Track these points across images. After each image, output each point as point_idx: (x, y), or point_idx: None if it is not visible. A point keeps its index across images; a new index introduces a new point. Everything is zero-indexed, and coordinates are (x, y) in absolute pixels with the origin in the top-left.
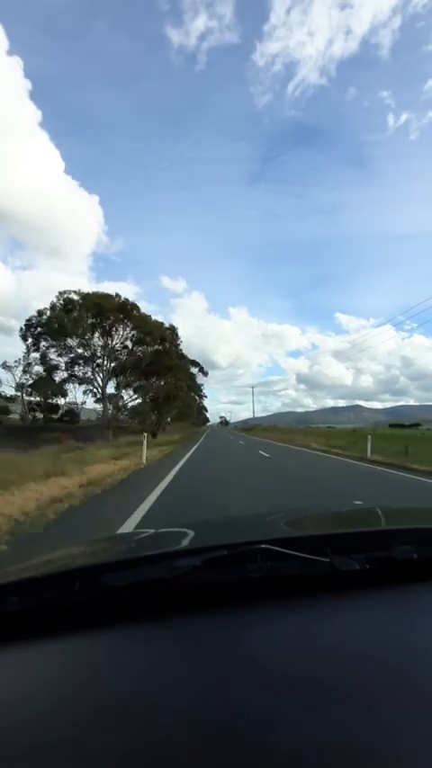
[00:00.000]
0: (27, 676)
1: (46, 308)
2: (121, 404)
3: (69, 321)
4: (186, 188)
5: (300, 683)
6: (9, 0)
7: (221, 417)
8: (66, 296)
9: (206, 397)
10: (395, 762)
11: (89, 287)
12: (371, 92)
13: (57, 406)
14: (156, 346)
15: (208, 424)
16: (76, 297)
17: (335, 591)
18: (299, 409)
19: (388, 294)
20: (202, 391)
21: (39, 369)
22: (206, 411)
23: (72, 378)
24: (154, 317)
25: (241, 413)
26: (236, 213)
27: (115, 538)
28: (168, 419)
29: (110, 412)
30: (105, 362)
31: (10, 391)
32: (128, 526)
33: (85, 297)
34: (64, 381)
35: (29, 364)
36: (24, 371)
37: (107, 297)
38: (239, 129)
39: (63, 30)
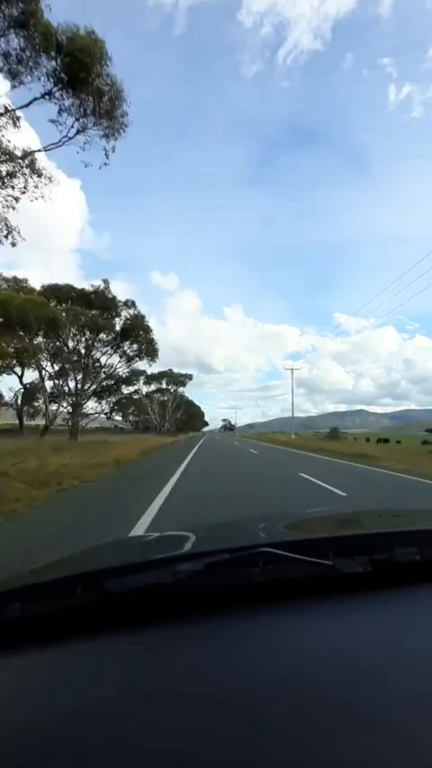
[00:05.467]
0: (30, 683)
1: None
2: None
3: None
4: (174, 165)
5: (303, 686)
6: None
7: (225, 420)
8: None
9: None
10: (396, 762)
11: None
12: (370, 59)
13: None
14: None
15: (205, 429)
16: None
17: (337, 593)
18: (300, 414)
19: (389, 294)
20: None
21: None
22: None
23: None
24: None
25: (241, 418)
26: (220, 185)
27: (117, 543)
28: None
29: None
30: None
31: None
32: None
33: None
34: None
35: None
36: None
37: None
38: (226, 104)
39: None
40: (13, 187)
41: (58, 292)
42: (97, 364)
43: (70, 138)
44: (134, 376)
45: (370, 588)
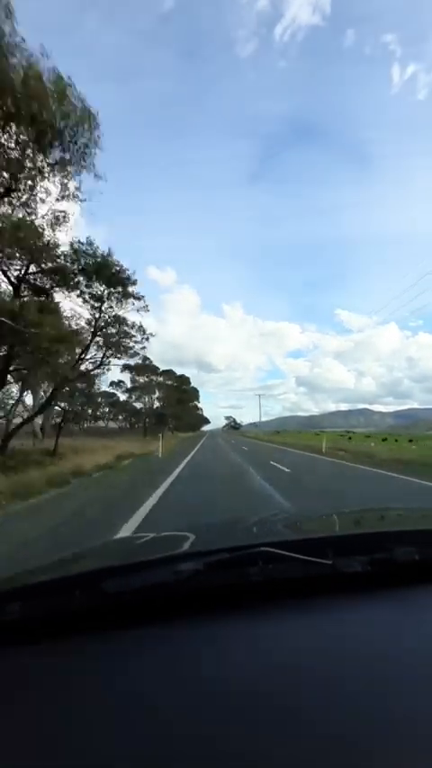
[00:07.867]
0: (30, 684)
1: None
2: None
3: None
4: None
5: (303, 684)
6: None
7: (228, 418)
8: None
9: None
10: (396, 762)
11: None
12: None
13: None
14: None
15: (205, 428)
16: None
17: (336, 593)
18: (301, 413)
19: (390, 293)
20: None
21: None
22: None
23: None
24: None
25: (242, 417)
26: (216, 179)
27: (116, 542)
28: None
29: None
30: None
31: None
32: None
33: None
34: None
35: None
36: None
37: None
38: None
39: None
40: None
41: None
42: None
43: None
44: None
45: (369, 588)
